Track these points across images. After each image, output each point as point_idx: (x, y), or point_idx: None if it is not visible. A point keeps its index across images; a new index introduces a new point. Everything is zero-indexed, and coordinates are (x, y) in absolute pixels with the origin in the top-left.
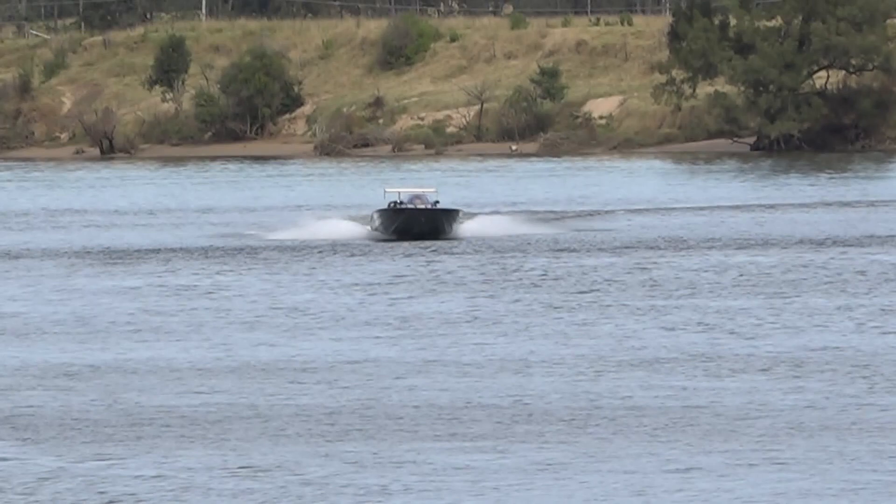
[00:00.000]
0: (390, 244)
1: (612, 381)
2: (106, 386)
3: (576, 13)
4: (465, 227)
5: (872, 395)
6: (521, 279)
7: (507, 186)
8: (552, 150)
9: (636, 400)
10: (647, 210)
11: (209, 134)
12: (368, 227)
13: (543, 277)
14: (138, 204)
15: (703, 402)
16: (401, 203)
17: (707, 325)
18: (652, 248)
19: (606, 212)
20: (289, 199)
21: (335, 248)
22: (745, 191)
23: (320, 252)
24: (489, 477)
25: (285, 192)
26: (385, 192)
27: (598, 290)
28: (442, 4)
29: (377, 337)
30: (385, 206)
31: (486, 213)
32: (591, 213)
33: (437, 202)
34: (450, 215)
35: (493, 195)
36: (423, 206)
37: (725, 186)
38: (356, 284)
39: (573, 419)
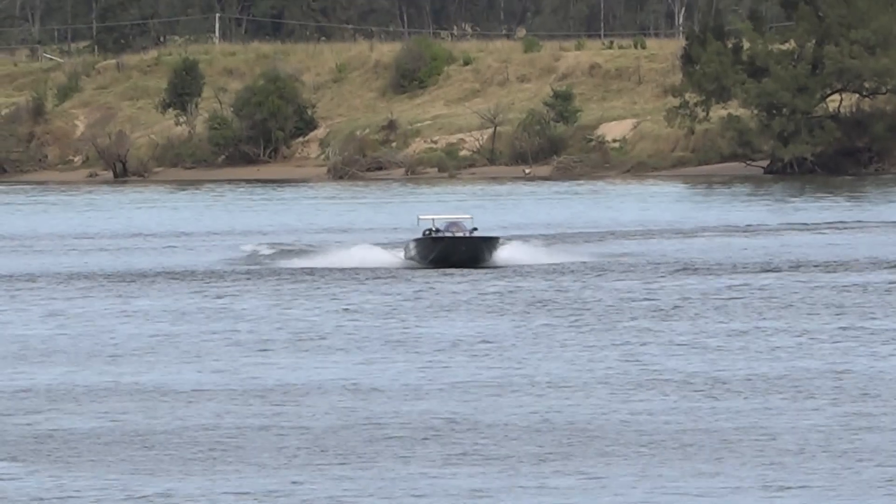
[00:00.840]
0: (427, 271)
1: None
2: (143, 408)
3: (589, 36)
4: (504, 255)
5: None
6: (579, 303)
7: (528, 209)
8: (565, 174)
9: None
10: (677, 233)
11: (222, 157)
12: (402, 256)
13: (599, 301)
14: (178, 226)
15: (746, 424)
16: (437, 231)
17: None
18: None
19: (642, 234)
20: (319, 222)
21: (378, 274)
22: (771, 214)
23: (368, 279)
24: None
25: (313, 215)
26: (419, 219)
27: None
28: (455, 28)
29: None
30: (421, 235)
31: (522, 240)
32: (627, 236)
33: (475, 229)
34: (490, 243)
35: (518, 218)
36: (461, 234)
37: (757, 209)
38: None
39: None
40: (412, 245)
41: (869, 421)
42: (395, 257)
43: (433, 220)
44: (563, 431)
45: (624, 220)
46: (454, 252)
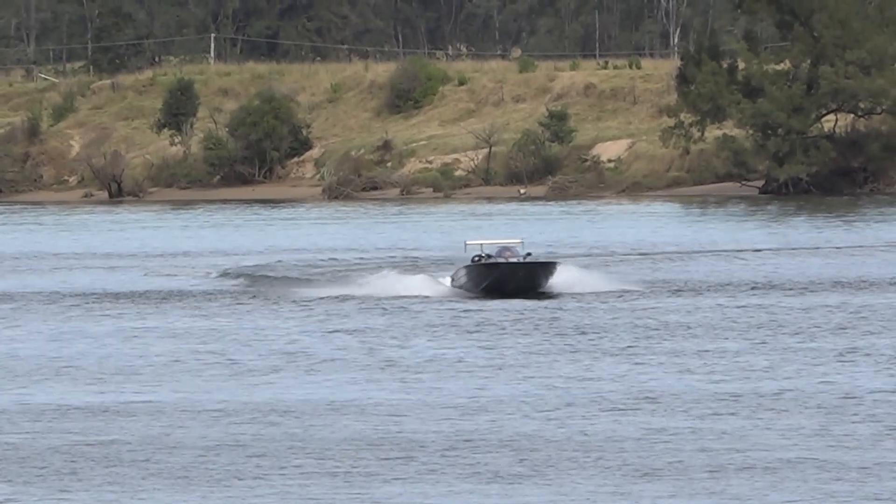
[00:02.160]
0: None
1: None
2: (140, 427)
3: (584, 56)
4: (560, 281)
5: None
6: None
7: (544, 230)
8: (561, 194)
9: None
10: (714, 252)
11: (218, 177)
12: (449, 283)
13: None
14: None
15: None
16: (487, 257)
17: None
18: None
19: (677, 254)
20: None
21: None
22: (797, 234)
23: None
24: None
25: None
26: (466, 244)
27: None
28: (450, 48)
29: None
30: (470, 262)
31: (576, 265)
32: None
33: (529, 254)
34: (547, 269)
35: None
36: (515, 260)
37: (781, 228)
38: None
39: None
40: (462, 272)
41: None
42: (441, 285)
43: (482, 245)
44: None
45: (647, 241)
46: (510, 279)
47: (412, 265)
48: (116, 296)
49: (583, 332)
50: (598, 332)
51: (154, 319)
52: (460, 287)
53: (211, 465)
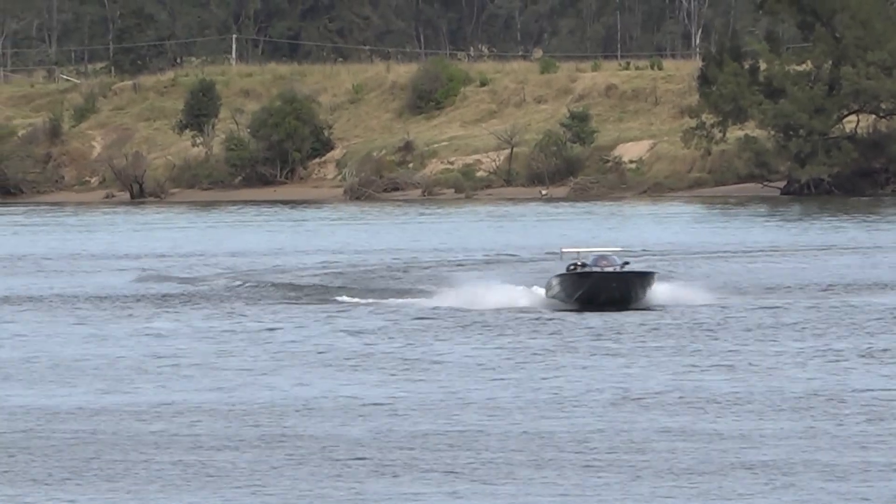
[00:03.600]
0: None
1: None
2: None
3: (605, 57)
4: (658, 293)
5: None
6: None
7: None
8: (582, 195)
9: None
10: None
11: (239, 178)
12: (542, 294)
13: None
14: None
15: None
16: (583, 265)
17: None
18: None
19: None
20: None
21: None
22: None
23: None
24: None
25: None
26: (561, 252)
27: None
28: (472, 49)
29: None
30: (565, 270)
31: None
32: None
33: (627, 263)
34: (644, 279)
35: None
36: (611, 269)
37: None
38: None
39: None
40: (555, 282)
41: None
42: (535, 295)
43: (578, 252)
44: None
45: (691, 242)
46: (604, 290)
47: (511, 268)
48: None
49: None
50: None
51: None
52: (554, 297)
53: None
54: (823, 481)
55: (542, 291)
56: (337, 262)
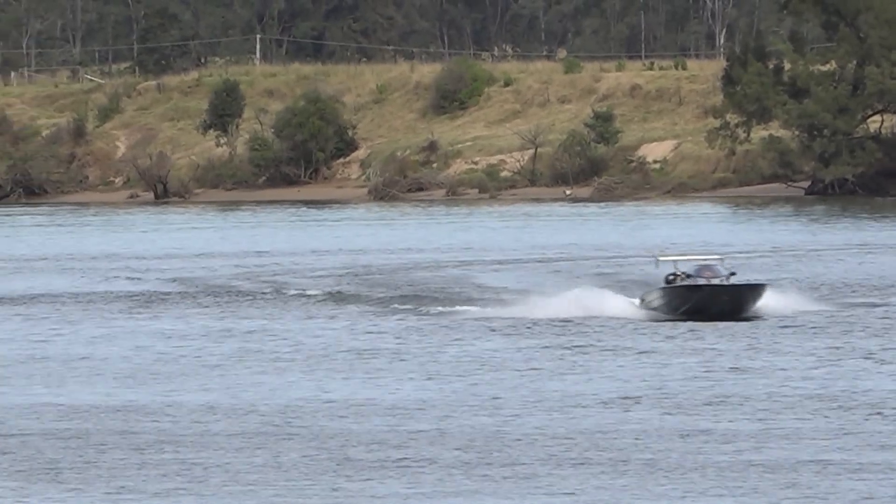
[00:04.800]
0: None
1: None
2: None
3: (629, 57)
4: (767, 305)
5: None
6: None
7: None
8: (606, 195)
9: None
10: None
11: (263, 178)
12: (637, 304)
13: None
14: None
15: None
16: (684, 276)
17: None
18: None
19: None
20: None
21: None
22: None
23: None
24: None
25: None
26: (658, 260)
27: None
28: (495, 49)
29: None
30: (666, 282)
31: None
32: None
33: (733, 273)
34: (755, 292)
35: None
36: (717, 281)
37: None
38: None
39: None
40: (656, 294)
41: None
42: (629, 305)
43: (675, 262)
44: None
45: (734, 242)
46: (715, 302)
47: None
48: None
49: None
50: None
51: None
52: (653, 309)
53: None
54: None
55: (636, 301)
56: (408, 261)
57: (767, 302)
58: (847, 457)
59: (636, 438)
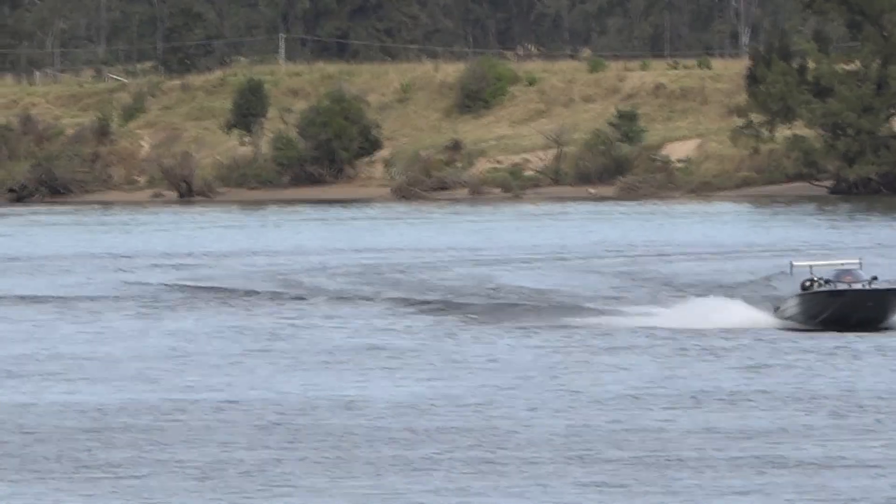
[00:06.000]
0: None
1: None
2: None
3: (654, 56)
4: None
5: None
6: None
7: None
8: (630, 194)
9: None
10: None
11: (287, 177)
12: (772, 313)
13: None
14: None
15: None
16: (824, 282)
17: None
18: None
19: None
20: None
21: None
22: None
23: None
24: None
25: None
26: (792, 265)
27: None
28: (520, 48)
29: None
30: (802, 288)
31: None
32: None
33: (875, 278)
34: None
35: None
36: (859, 286)
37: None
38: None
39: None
40: (793, 302)
41: None
42: (761, 314)
43: (811, 267)
44: None
45: (784, 240)
46: (857, 309)
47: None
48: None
49: None
50: None
51: None
52: (788, 318)
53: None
54: None
55: (770, 310)
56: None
57: None
58: None
59: None
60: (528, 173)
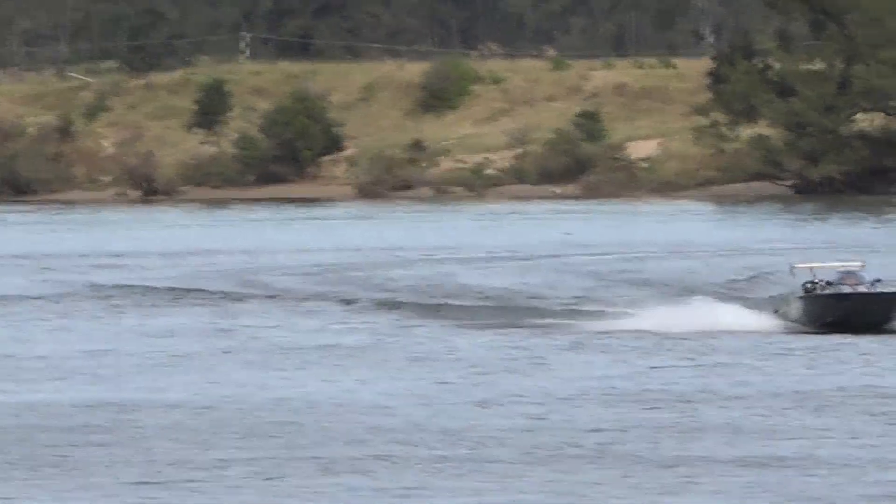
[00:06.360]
0: None
1: None
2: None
3: (617, 56)
4: None
5: None
6: None
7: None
8: (593, 193)
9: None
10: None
11: (250, 176)
12: (772, 316)
13: None
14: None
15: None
16: (827, 284)
17: None
18: None
19: None
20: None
21: None
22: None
23: None
24: None
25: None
26: (793, 267)
27: None
28: (483, 47)
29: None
30: (804, 291)
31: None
32: None
33: (879, 280)
34: None
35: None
36: (864, 289)
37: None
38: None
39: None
40: (796, 304)
41: None
42: (760, 318)
43: (813, 269)
44: None
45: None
46: (863, 313)
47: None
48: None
49: None
50: None
51: None
52: (790, 321)
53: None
54: None
55: (769, 313)
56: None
57: None
58: None
59: None
60: (491, 173)
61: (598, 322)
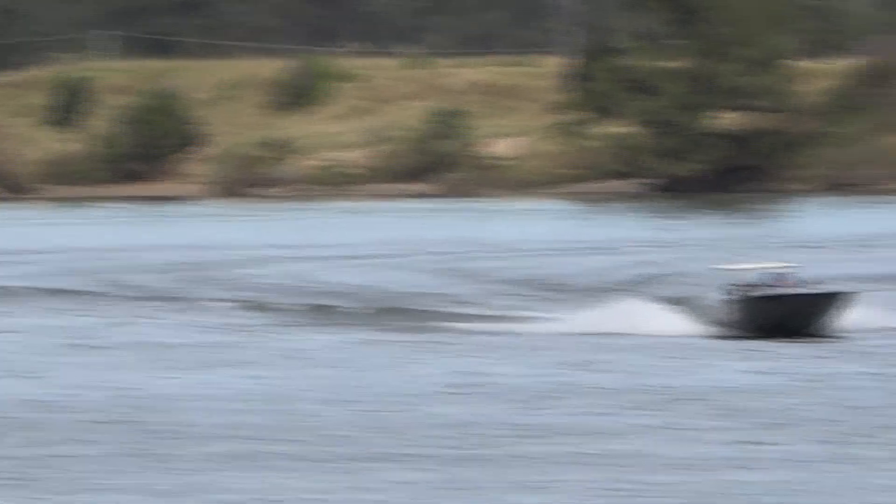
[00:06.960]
0: None
1: None
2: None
3: (479, 54)
4: (850, 318)
5: None
6: None
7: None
8: (454, 191)
9: None
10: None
11: (109, 174)
12: (701, 318)
13: None
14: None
15: None
16: (751, 287)
17: None
18: None
19: None
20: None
21: None
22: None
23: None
24: None
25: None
26: (719, 270)
27: None
28: (345, 45)
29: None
30: (730, 292)
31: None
32: None
33: (807, 282)
34: (847, 300)
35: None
36: (800, 290)
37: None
38: None
39: None
40: (728, 308)
41: None
42: (688, 320)
43: (744, 270)
44: None
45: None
46: (798, 314)
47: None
48: None
49: None
50: None
51: None
52: (723, 325)
53: None
54: None
55: (697, 316)
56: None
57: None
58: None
59: None
60: (352, 170)
61: (512, 325)
